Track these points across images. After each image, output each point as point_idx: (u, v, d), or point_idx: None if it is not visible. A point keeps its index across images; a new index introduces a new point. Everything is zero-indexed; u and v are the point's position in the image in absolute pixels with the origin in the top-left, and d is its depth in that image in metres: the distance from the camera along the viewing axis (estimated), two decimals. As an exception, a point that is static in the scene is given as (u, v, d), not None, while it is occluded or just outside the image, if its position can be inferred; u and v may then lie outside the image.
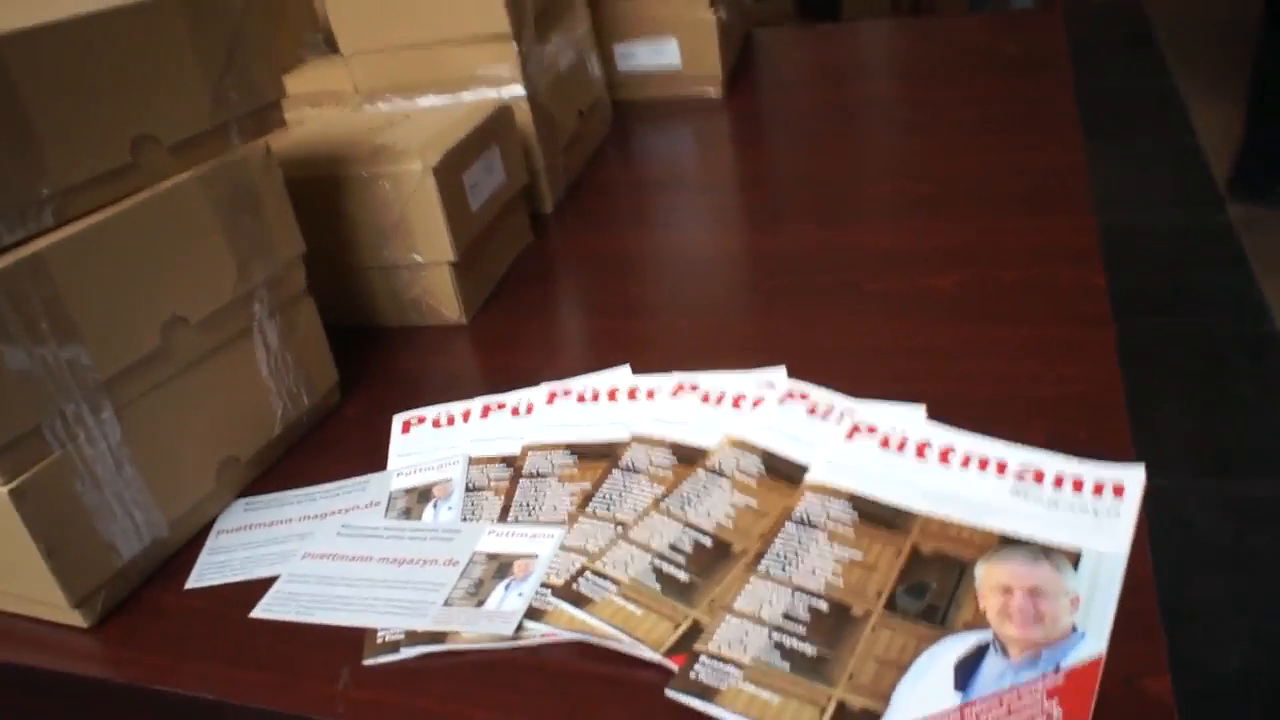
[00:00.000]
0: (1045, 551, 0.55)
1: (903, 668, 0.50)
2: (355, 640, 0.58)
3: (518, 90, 1.02)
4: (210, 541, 0.69)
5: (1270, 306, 2.16)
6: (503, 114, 0.96)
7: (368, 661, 0.56)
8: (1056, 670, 0.48)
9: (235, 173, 0.69)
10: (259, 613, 0.62)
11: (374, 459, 0.74)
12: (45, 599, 0.61)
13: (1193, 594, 1.53)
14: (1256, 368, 1.99)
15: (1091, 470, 0.60)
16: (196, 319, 0.67)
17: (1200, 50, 3.25)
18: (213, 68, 0.67)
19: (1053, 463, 0.61)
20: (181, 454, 0.67)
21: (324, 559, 0.65)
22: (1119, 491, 0.58)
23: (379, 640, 0.57)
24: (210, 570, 0.66)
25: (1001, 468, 0.61)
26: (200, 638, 0.61)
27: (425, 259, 0.88)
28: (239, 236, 0.69)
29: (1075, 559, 0.54)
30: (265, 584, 0.64)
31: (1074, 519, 0.57)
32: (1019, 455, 0.62)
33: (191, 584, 0.65)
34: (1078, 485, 0.59)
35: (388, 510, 0.68)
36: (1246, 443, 1.81)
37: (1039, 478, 0.60)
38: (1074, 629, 0.50)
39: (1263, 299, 2.19)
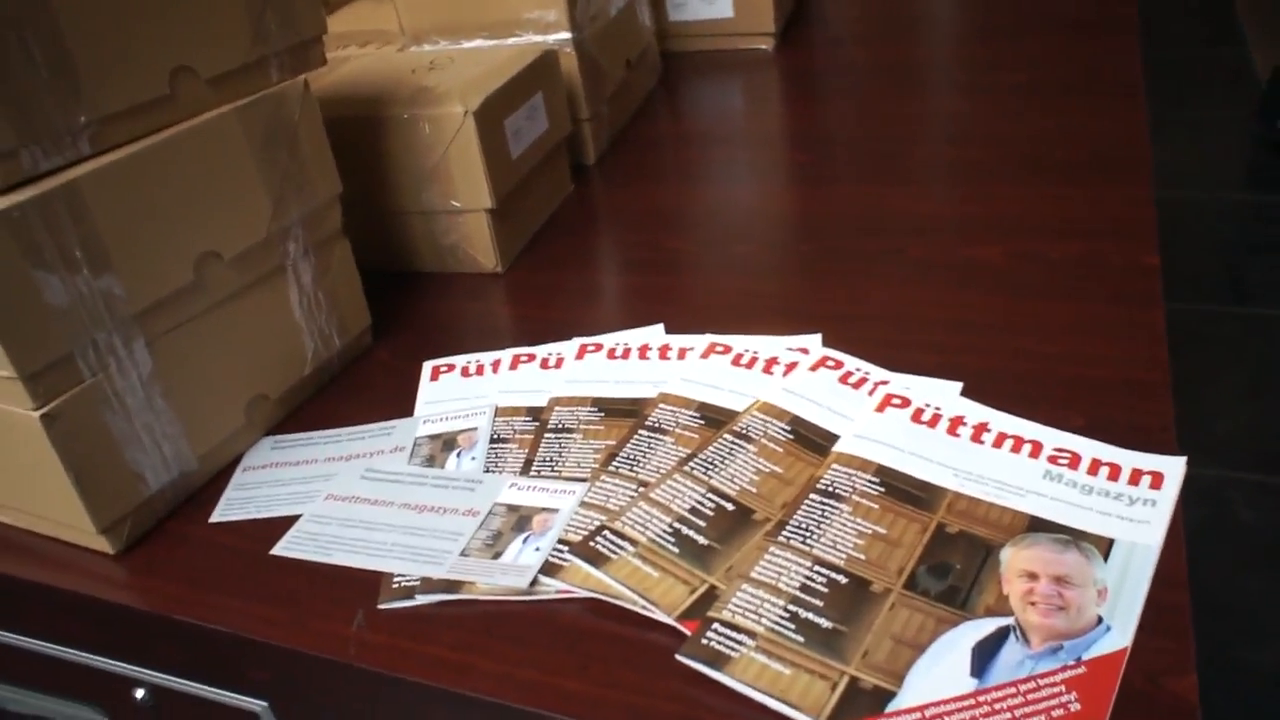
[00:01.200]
0: (1075, 539, 0.53)
1: (919, 648, 0.49)
2: (371, 584, 0.58)
3: (564, 36, 1.00)
4: (236, 477, 0.69)
5: (1333, 295, 2.08)
6: (548, 60, 0.94)
7: (382, 606, 0.57)
8: (1078, 662, 0.47)
9: (273, 108, 0.68)
10: (279, 550, 0.62)
11: (402, 404, 0.74)
12: (74, 523, 0.62)
13: (1231, 588, 1.50)
14: (1314, 357, 1.93)
15: (1129, 458, 0.58)
16: (230, 255, 0.67)
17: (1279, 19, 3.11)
18: (254, 1, 0.66)
19: (1089, 447, 0.59)
20: (211, 389, 0.68)
21: (346, 501, 0.65)
22: (1157, 481, 0.56)
23: (394, 585, 0.58)
24: (235, 505, 0.67)
25: (1036, 450, 0.60)
26: (221, 571, 0.61)
27: (463, 205, 0.87)
28: (275, 173, 0.69)
29: (1106, 549, 0.53)
30: (287, 522, 0.64)
31: (1107, 506, 0.55)
32: (1054, 438, 0.60)
33: (216, 518, 0.66)
34: (1114, 472, 0.57)
35: (412, 456, 0.68)
36: (1297, 434, 1.76)
37: (1074, 462, 0.58)
38: (1099, 621, 0.49)
39: (1326, 287, 2.11)
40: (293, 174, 0.70)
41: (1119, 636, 0.48)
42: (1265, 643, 1.41)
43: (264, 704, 0.62)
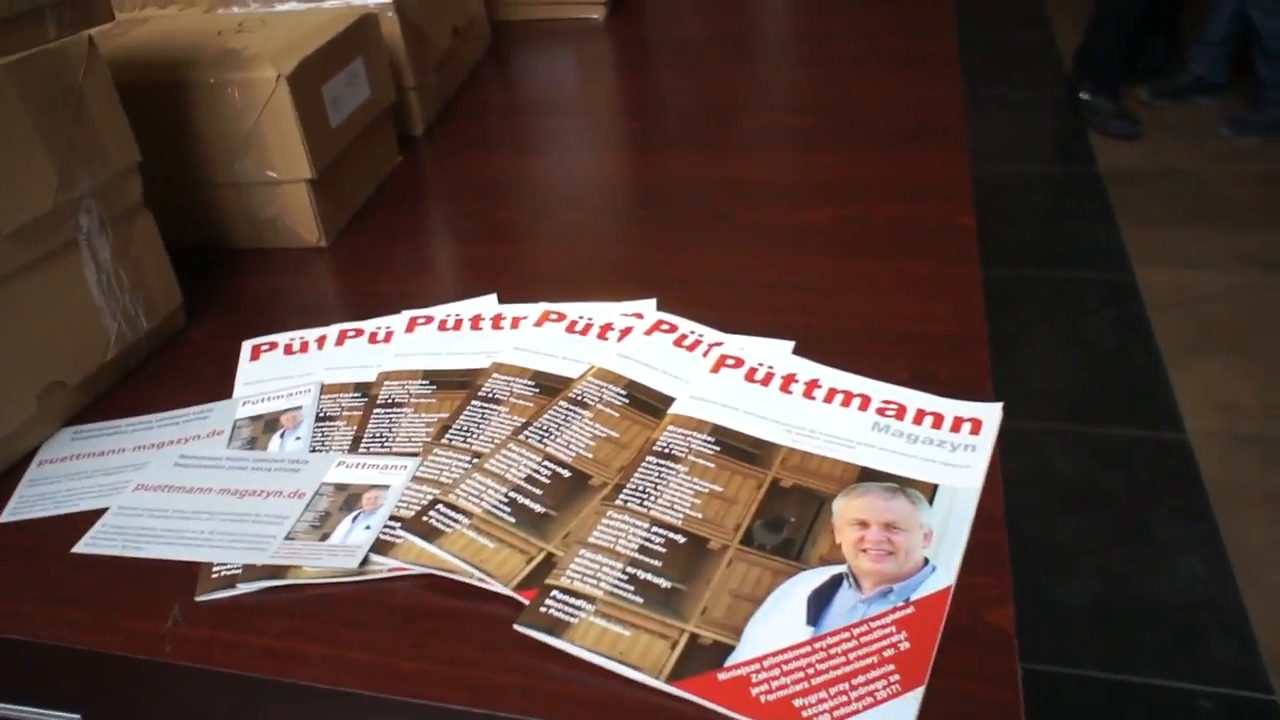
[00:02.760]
0: (902, 486, 0.55)
1: (756, 601, 0.49)
2: (189, 576, 0.54)
3: (385, 0, 0.96)
4: (30, 472, 0.63)
5: (1131, 258, 2.26)
6: (368, 23, 0.90)
7: (200, 597, 0.53)
8: (907, 603, 0.49)
9: (52, 66, 0.62)
10: (82, 547, 0.57)
11: (220, 387, 0.70)
12: None
13: (1046, 531, 1.61)
14: (1116, 316, 2.09)
15: (951, 406, 0.60)
16: (9, 228, 0.60)
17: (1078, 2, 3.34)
18: (25, -54, 0.60)
19: (914, 398, 0.61)
20: (-5, 377, 0.61)
21: (158, 491, 0.60)
22: (976, 428, 0.59)
23: (214, 575, 0.54)
24: (29, 503, 0.61)
25: (864, 403, 0.61)
26: (14, 576, 0.56)
27: (280, 176, 0.82)
28: (59, 139, 0.63)
29: (931, 493, 0.55)
30: (92, 517, 0.59)
31: (931, 454, 0.57)
32: (881, 390, 0.62)
33: (6, 517, 0.60)
34: (937, 421, 0.59)
35: (231, 440, 0.64)
36: (1102, 388, 1.90)
37: (900, 413, 0.60)
38: (925, 562, 0.51)
39: (1125, 250, 2.29)
40: (80, 141, 0.65)
41: (944, 576, 0.50)
42: (1073, 580, 1.52)
43: (76, 717, 0.58)
